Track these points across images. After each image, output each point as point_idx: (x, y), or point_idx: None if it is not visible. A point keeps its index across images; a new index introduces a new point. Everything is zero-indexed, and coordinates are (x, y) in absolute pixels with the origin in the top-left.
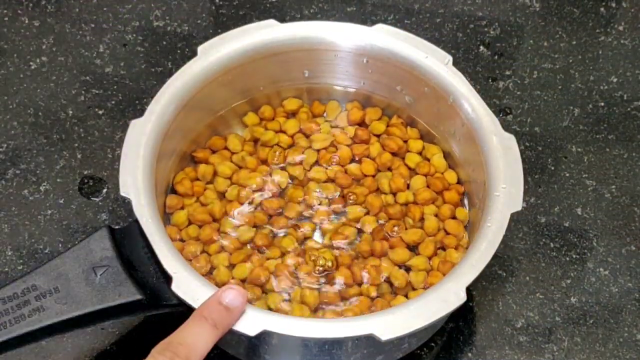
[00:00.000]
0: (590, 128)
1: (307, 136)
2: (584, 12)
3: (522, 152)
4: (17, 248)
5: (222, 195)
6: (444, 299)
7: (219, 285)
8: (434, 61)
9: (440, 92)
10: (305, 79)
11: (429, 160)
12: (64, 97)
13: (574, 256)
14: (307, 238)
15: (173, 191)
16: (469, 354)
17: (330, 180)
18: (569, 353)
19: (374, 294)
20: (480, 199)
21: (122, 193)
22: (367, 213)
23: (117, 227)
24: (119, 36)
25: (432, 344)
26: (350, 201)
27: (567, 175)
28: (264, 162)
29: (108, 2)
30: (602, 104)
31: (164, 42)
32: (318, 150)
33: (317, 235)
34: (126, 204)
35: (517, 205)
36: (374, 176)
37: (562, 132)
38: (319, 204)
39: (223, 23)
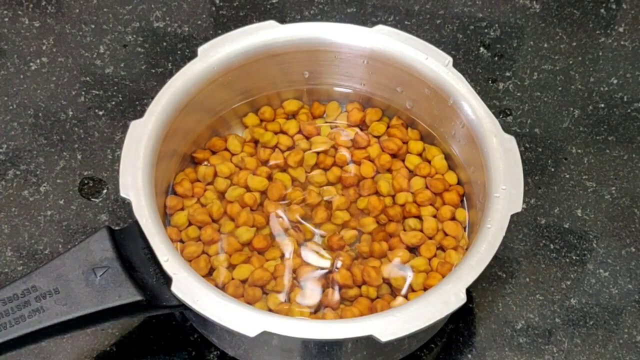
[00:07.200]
0: (590, 129)
1: (307, 138)
2: (584, 13)
3: (522, 153)
4: (17, 249)
5: (222, 196)
6: (443, 300)
7: (220, 286)
8: (434, 62)
9: (440, 93)
10: (305, 80)
11: (429, 161)
12: (64, 97)
13: (574, 257)
14: (307, 240)
15: (173, 192)
16: (469, 355)
17: (330, 182)
18: (568, 354)
19: (373, 295)
20: (480, 201)
21: (122, 194)
22: (367, 214)
23: (117, 228)
24: (119, 37)
25: (432, 345)
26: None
27: (567, 176)
28: (264, 163)
29: (108, 3)
30: (602, 105)
31: (164, 43)
32: (318, 153)
33: (317, 237)
34: (126, 205)
35: (517, 206)
36: (373, 178)
37: (562, 134)
38: (319, 205)
39: (223, 24)
